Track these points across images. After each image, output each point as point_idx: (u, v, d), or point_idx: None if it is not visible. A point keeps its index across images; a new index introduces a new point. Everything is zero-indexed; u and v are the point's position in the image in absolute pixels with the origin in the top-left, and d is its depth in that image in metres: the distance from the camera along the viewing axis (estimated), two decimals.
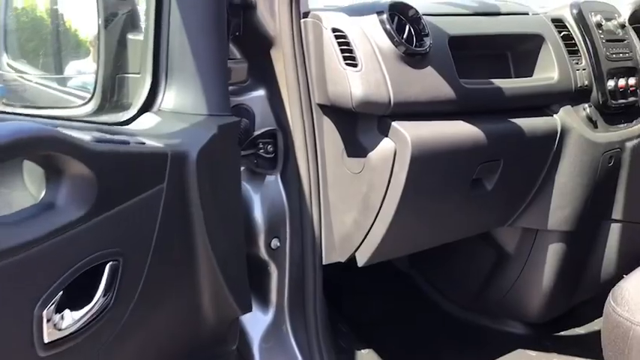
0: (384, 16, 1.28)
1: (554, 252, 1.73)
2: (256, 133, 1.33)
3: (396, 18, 1.30)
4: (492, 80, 1.44)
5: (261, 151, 1.35)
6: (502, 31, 1.51)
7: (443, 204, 1.43)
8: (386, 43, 1.27)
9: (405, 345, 1.79)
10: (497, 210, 1.61)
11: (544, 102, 1.57)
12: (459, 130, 1.36)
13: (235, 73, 1.30)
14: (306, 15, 1.30)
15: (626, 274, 1.93)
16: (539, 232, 1.72)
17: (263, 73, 1.34)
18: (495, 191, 1.49)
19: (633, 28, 1.96)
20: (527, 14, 1.62)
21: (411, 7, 1.32)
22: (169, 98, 1.11)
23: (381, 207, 1.32)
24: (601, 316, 1.94)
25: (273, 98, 1.35)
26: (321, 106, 1.32)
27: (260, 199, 1.36)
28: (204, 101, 1.10)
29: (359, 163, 1.32)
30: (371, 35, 1.27)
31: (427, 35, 1.31)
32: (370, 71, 1.24)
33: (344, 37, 1.26)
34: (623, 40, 1.78)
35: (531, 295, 1.80)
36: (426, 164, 1.30)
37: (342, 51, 1.25)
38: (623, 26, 1.81)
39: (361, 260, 1.39)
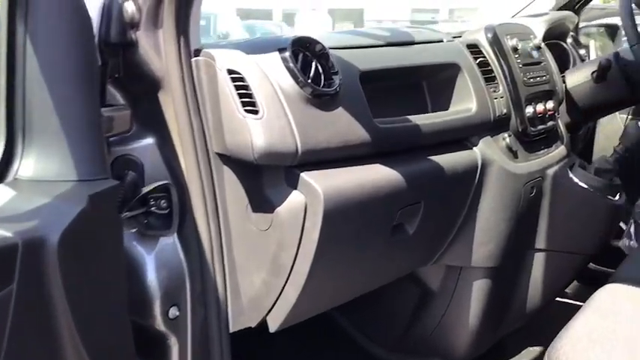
0: (287, 54, 1.13)
1: (478, 288, 1.64)
2: (146, 189, 1.15)
3: (301, 55, 1.15)
4: (408, 117, 1.32)
5: (154, 208, 1.17)
6: (416, 62, 1.40)
7: (361, 256, 1.30)
8: (290, 84, 1.12)
9: None
10: (419, 251, 1.50)
11: (463, 135, 1.47)
12: (376, 176, 1.23)
13: (117, 122, 1.12)
14: (197, 53, 1.13)
15: (551, 300, 1.90)
16: (463, 269, 1.63)
17: (151, 119, 1.16)
18: (417, 234, 1.38)
19: (550, 46, 1.92)
20: (442, 41, 1.52)
21: (318, 42, 1.18)
22: (28, 163, 0.91)
23: (292, 266, 1.17)
24: (527, 346, 1.89)
25: (165, 147, 1.17)
26: (220, 156, 1.16)
27: (154, 264, 1.18)
28: (72, 165, 0.91)
29: (266, 219, 1.17)
30: (273, 76, 1.12)
31: (336, 73, 1.17)
32: (273, 118, 1.09)
33: (241, 79, 1.10)
34: (539, 63, 1.72)
35: (457, 332, 1.71)
36: (341, 217, 1.16)
37: (240, 95, 1.09)
38: (538, 47, 1.75)
39: (273, 325, 1.24)
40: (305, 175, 1.13)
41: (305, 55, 1.16)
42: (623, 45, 2.52)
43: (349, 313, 1.82)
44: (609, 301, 1.19)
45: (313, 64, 1.16)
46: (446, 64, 1.46)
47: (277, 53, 1.13)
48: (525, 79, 1.63)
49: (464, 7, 35.26)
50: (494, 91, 1.55)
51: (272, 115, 1.09)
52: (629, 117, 2.28)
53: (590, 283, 1.84)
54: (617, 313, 1.14)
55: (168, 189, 1.17)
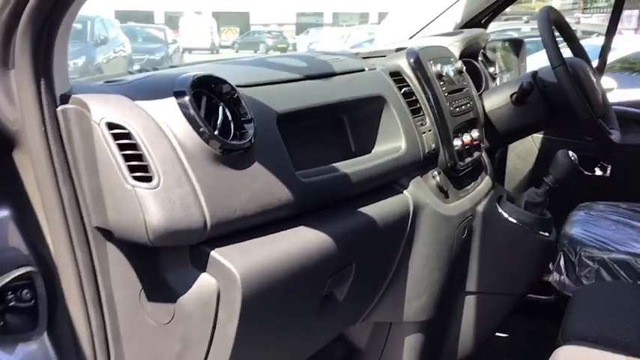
0: (187, 98, 0.88)
1: (409, 343, 1.46)
2: (1, 281, 0.86)
3: (204, 99, 0.90)
4: (334, 165, 1.11)
5: (13, 302, 0.88)
6: (339, 97, 1.18)
7: (287, 337, 1.07)
8: (192, 138, 0.87)
9: None
10: (348, 314, 1.29)
11: (393, 177, 1.28)
12: (303, 242, 1.00)
13: None
14: (64, 99, 0.85)
15: (483, 343, 1.77)
16: (393, 325, 1.44)
17: (5, 187, 0.87)
18: (347, 299, 1.17)
19: (463, 62, 1.78)
20: (364, 70, 1.32)
21: (224, 82, 0.93)
22: None
23: None
24: None
25: (25, 222, 0.88)
26: (102, 230, 0.89)
27: None
28: None
29: (166, 311, 0.90)
30: (169, 129, 0.86)
31: (250, 121, 0.93)
32: (172, 186, 0.83)
33: (127, 135, 0.83)
34: (462, 89, 1.57)
35: None
36: (264, 301, 0.93)
37: (127, 158, 0.82)
38: (460, 72, 1.59)
39: None
40: (216, 253, 0.88)
41: (210, 98, 0.91)
42: (527, 60, 2.46)
43: None
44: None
45: (220, 109, 0.91)
46: (370, 97, 1.26)
47: (173, 98, 0.88)
48: (452, 108, 1.47)
49: (348, 12, 35.92)
50: (422, 125, 1.37)
51: (170, 182, 0.83)
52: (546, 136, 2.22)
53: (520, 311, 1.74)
54: None
55: (31, 277, 0.88)
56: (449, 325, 1.58)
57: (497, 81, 2.16)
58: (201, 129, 0.87)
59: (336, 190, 1.11)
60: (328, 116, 1.22)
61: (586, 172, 2.19)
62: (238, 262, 0.88)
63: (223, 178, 0.89)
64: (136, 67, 12.31)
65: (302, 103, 1.09)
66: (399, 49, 1.73)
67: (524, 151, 2.29)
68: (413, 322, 1.42)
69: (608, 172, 2.18)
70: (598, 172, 2.20)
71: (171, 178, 0.83)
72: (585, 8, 16.29)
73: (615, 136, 1.76)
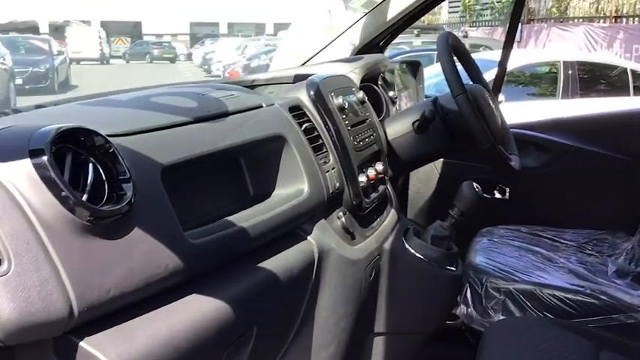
0: (44, 158, 0.72)
1: None
2: None
3: (69, 157, 0.75)
4: (230, 219, 0.98)
5: None
6: (234, 141, 1.06)
7: None
8: (53, 207, 0.71)
9: None
10: None
11: (296, 224, 1.17)
12: (193, 315, 0.87)
13: None
14: None
15: None
16: None
17: None
18: None
19: (362, 87, 1.72)
20: (261, 106, 1.20)
21: (96, 134, 0.79)
22: None
23: None
24: None
25: None
26: None
27: None
28: None
29: None
30: (23, 198, 0.70)
31: (128, 180, 0.79)
32: (27, 270, 0.68)
33: None
34: (365, 121, 1.49)
35: None
36: None
37: None
38: (362, 102, 1.52)
39: None
40: (86, 344, 0.73)
41: (77, 154, 0.76)
42: (425, 82, 2.44)
43: None
44: None
45: (91, 168, 0.77)
46: (269, 137, 1.14)
47: (28, 160, 0.72)
48: (355, 142, 1.38)
49: (243, 22, 35.73)
50: (325, 163, 1.27)
51: (25, 266, 0.68)
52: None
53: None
54: None
55: None
56: None
57: (397, 103, 2.11)
58: (64, 194, 0.72)
59: (233, 246, 0.98)
60: (222, 159, 1.09)
61: (486, 196, 2.18)
62: (113, 352, 0.74)
63: (94, 253, 0.74)
64: (19, 80, 11.55)
65: (191, 151, 0.95)
66: (298, 77, 1.63)
67: (425, 176, 2.26)
68: None
69: (507, 195, 2.18)
70: (497, 195, 2.20)
71: (25, 259, 0.68)
72: (472, 22, 17.02)
73: (515, 162, 1.75)
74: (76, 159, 0.76)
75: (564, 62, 7.06)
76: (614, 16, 13.44)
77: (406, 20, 2.15)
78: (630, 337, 1.48)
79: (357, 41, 2.17)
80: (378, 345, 1.52)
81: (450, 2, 18.87)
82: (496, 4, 16.43)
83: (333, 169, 1.29)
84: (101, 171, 0.77)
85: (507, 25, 2.34)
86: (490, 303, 1.64)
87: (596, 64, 7.71)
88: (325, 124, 1.32)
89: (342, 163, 1.33)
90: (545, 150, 2.15)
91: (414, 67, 2.37)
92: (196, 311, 0.87)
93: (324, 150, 1.29)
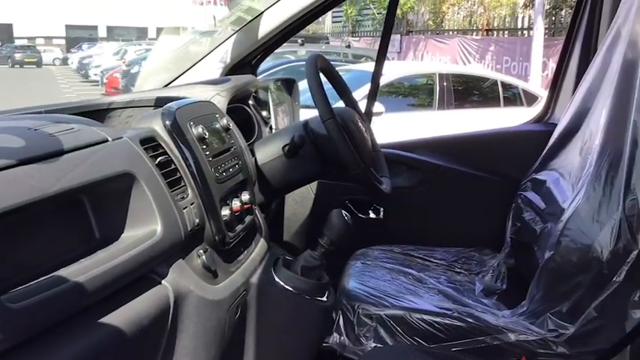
0: None
1: None
2: None
3: None
4: (60, 274, 0.88)
5: None
6: (71, 183, 0.94)
7: None
8: None
9: None
10: None
11: (148, 268, 1.08)
12: None
13: None
14: None
15: None
16: None
17: None
18: None
19: (231, 110, 1.65)
20: (107, 141, 1.09)
21: None
22: None
23: None
24: None
25: None
26: None
27: None
28: None
29: None
30: None
31: None
32: None
33: None
34: (229, 149, 1.42)
35: None
36: None
37: None
38: (227, 129, 1.45)
39: None
40: None
41: None
42: (301, 99, 2.41)
43: None
44: None
45: None
46: (114, 175, 1.04)
47: None
48: (217, 174, 1.31)
49: (124, 26, 34.51)
50: (183, 199, 1.19)
51: None
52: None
53: None
54: None
55: None
56: None
57: (274, 121, 2.06)
58: None
59: (69, 302, 0.88)
60: (61, 202, 0.98)
61: (360, 216, 2.18)
62: None
63: None
64: None
65: (16, 198, 0.84)
66: (159, 100, 1.53)
67: (300, 197, 2.22)
68: None
69: (382, 214, 2.19)
70: (372, 215, 2.20)
71: None
72: (353, 32, 17.44)
73: (385, 185, 1.75)
74: None
75: (439, 74, 7.35)
76: (486, 29, 14.27)
77: (279, 38, 2.11)
78: (493, 359, 1.52)
79: (228, 59, 2.10)
80: None
81: (333, 12, 19.23)
82: (377, 15, 16.95)
83: (192, 204, 1.21)
84: None
85: (380, 38, 2.34)
86: (362, 330, 1.62)
87: (470, 76, 8.11)
88: (183, 156, 1.24)
89: (203, 197, 1.25)
90: (415, 169, 2.18)
91: (289, 85, 2.33)
92: None
93: (182, 184, 1.21)
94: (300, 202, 2.25)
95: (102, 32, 35.15)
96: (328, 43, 15.98)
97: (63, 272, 0.89)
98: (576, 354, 1.48)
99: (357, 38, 17.30)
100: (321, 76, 1.69)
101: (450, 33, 15.21)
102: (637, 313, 1.38)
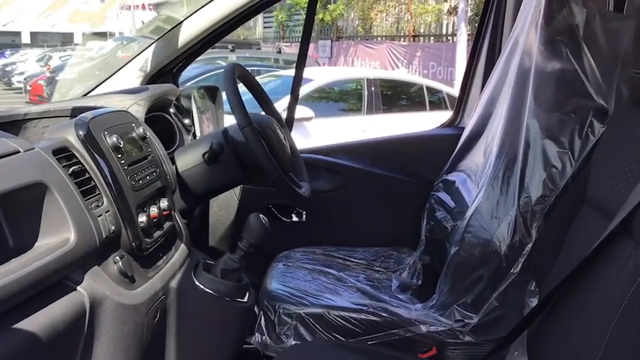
0: None
1: None
2: None
3: None
4: None
5: None
6: None
7: None
8: None
9: None
10: None
11: (61, 275, 1.10)
12: None
13: None
14: None
15: None
16: None
17: None
18: None
19: (150, 119, 1.68)
20: (19, 152, 1.11)
21: None
22: None
23: None
24: None
25: None
26: None
27: None
28: None
29: None
30: None
31: None
32: None
33: None
34: (146, 158, 1.45)
35: None
36: None
37: None
38: (144, 138, 1.48)
39: None
40: None
41: None
42: (225, 106, 2.45)
43: None
44: None
45: None
46: (26, 185, 1.06)
47: None
48: (133, 182, 1.34)
49: (49, 31, 33.40)
50: (98, 207, 1.22)
51: None
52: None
53: None
54: None
55: None
56: None
57: (199, 128, 2.10)
58: None
59: None
60: None
61: (284, 219, 2.25)
62: None
63: None
64: None
65: None
66: (76, 110, 1.55)
67: (225, 202, 2.27)
68: None
69: (304, 217, 2.26)
70: (295, 218, 2.27)
71: None
72: (284, 37, 17.55)
73: (304, 189, 1.82)
74: None
75: (367, 79, 7.52)
76: (412, 35, 14.65)
77: (200, 46, 2.14)
78: (406, 350, 1.61)
79: (149, 68, 2.12)
80: None
81: (264, 18, 19.25)
82: None
83: (107, 212, 1.24)
84: None
85: (299, 47, 2.41)
86: (283, 329, 1.68)
87: (397, 81, 8.33)
88: (97, 165, 1.27)
89: (118, 205, 1.28)
90: (335, 173, 2.26)
91: (212, 93, 2.37)
92: None
93: (97, 193, 1.23)
94: (224, 207, 2.29)
95: (25, 38, 33.90)
96: (259, 48, 16.02)
97: None
98: (481, 342, 1.59)
99: (289, 43, 17.41)
100: (241, 85, 1.75)
101: (379, 39, 15.54)
102: (533, 302, 1.50)
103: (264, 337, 1.69)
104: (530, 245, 1.50)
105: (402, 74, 10.49)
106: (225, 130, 1.77)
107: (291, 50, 15.45)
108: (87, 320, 1.13)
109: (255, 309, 1.75)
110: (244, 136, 1.62)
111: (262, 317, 1.72)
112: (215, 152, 1.67)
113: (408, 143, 2.36)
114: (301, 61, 2.38)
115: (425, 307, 1.71)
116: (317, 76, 7.50)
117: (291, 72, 8.61)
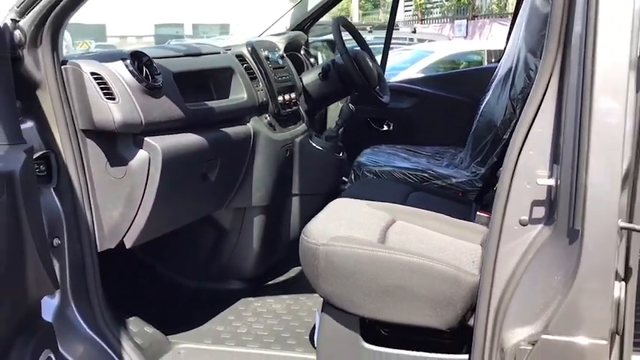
0: (128, 61, 1.74)
1: (258, 223, 2.37)
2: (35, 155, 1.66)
3: (136, 62, 1.77)
4: (207, 102, 2.01)
5: (37, 171, 1.68)
6: (205, 66, 2.10)
7: (185, 194, 1.95)
8: (132, 81, 1.73)
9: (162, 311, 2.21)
10: (217, 196, 2.18)
11: (239, 114, 2.20)
12: (190, 140, 1.89)
13: None
14: (64, 62, 1.69)
15: None
16: (246, 210, 2.34)
17: (33, 110, 1.67)
18: (216, 182, 2.06)
19: (289, 55, 2.74)
20: (219, 53, 2.23)
21: (145, 54, 1.80)
22: None
23: (141, 201, 1.78)
24: (293, 266, 2.68)
25: (44, 128, 1.69)
26: (85, 131, 1.72)
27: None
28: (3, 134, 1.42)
29: (121, 171, 1.76)
30: (121, 76, 1.72)
31: (159, 74, 1.81)
32: (125, 102, 1.69)
33: (101, 78, 1.68)
34: (283, 67, 2.52)
35: (246, 258, 2.41)
36: (172, 165, 1.80)
37: (102, 89, 1.67)
38: (282, 57, 2.55)
39: (128, 243, 1.82)
40: (148, 139, 1.75)
41: (139, 62, 1.78)
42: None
43: (164, 259, 2.41)
44: (340, 202, 1.97)
45: (144, 68, 1.78)
46: (223, 68, 2.17)
47: (121, 62, 1.74)
48: (276, 77, 2.42)
49: (207, 23, 36.30)
50: (257, 86, 2.30)
51: (124, 101, 1.69)
52: (347, 102, 3.24)
53: None
54: (344, 209, 1.91)
55: (48, 156, 1.69)
56: (283, 216, 2.52)
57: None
58: (136, 76, 1.73)
59: (208, 116, 2.01)
60: (200, 79, 2.11)
61: (376, 127, 3.26)
62: (159, 144, 1.76)
63: (148, 102, 1.76)
64: None
65: (185, 68, 1.98)
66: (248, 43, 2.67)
67: (336, 115, 3.31)
68: (259, 206, 2.33)
69: (392, 127, 3.26)
70: (385, 127, 3.27)
71: (124, 99, 1.69)
72: (422, 19, 18.31)
73: (385, 99, 2.81)
74: (138, 64, 1.77)
75: (488, 51, 8.19)
76: None
77: (322, 10, 3.20)
78: (444, 197, 2.55)
79: (289, 24, 3.21)
80: (295, 203, 2.55)
81: (405, 2, 20.02)
82: (445, 2, 17.71)
83: (261, 90, 2.32)
84: (147, 70, 1.79)
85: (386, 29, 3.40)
86: (367, 177, 2.69)
87: None
88: (257, 65, 2.35)
89: (267, 87, 2.36)
90: (413, 96, 3.23)
91: (332, 44, 3.43)
92: (191, 139, 1.90)
93: (256, 79, 2.32)
94: (335, 118, 3.34)
95: (188, 30, 37.23)
96: (398, 29, 16.92)
97: (205, 103, 2.01)
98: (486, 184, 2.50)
99: (427, 25, 18.12)
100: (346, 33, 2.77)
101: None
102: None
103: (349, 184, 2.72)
104: (514, 121, 2.38)
105: None
106: (332, 59, 2.80)
107: (429, 30, 16.17)
108: (251, 141, 2.22)
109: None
110: (342, 60, 2.64)
111: (352, 173, 2.74)
112: (325, 70, 2.71)
113: (464, 74, 3.27)
114: (388, 41, 3.38)
115: (457, 167, 2.65)
116: (438, 48, 8.31)
117: (419, 46, 9.35)
